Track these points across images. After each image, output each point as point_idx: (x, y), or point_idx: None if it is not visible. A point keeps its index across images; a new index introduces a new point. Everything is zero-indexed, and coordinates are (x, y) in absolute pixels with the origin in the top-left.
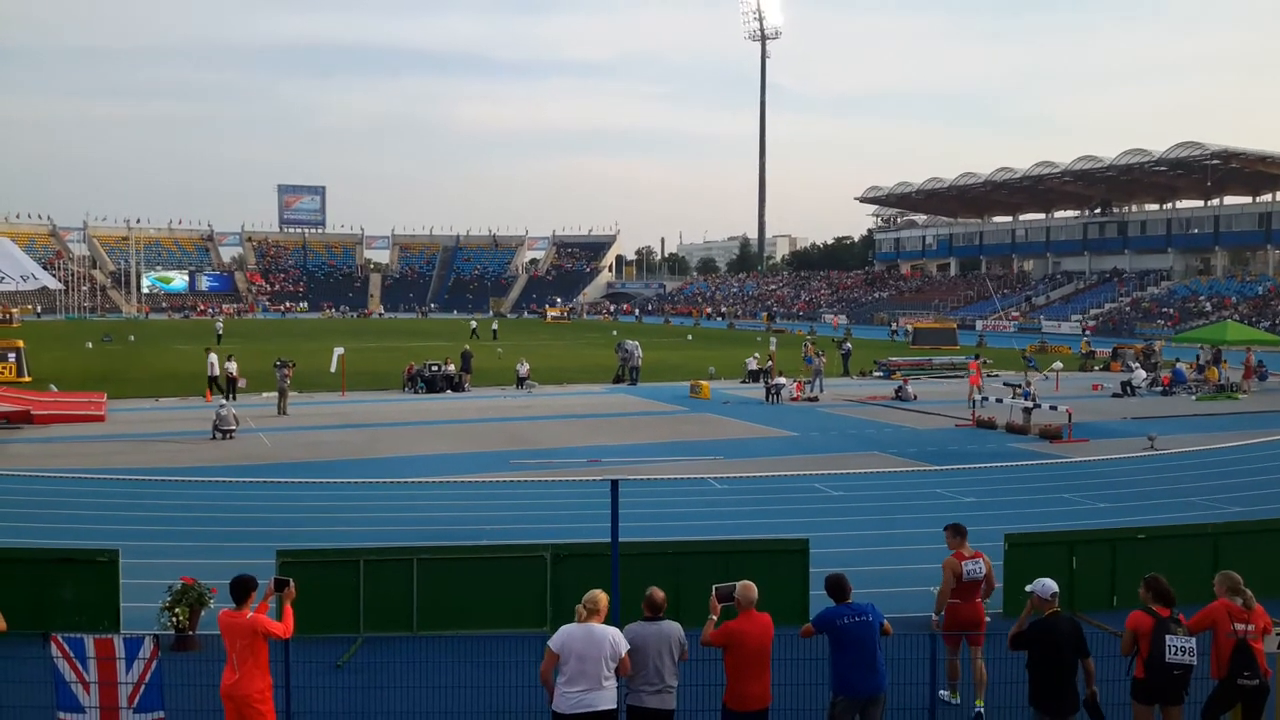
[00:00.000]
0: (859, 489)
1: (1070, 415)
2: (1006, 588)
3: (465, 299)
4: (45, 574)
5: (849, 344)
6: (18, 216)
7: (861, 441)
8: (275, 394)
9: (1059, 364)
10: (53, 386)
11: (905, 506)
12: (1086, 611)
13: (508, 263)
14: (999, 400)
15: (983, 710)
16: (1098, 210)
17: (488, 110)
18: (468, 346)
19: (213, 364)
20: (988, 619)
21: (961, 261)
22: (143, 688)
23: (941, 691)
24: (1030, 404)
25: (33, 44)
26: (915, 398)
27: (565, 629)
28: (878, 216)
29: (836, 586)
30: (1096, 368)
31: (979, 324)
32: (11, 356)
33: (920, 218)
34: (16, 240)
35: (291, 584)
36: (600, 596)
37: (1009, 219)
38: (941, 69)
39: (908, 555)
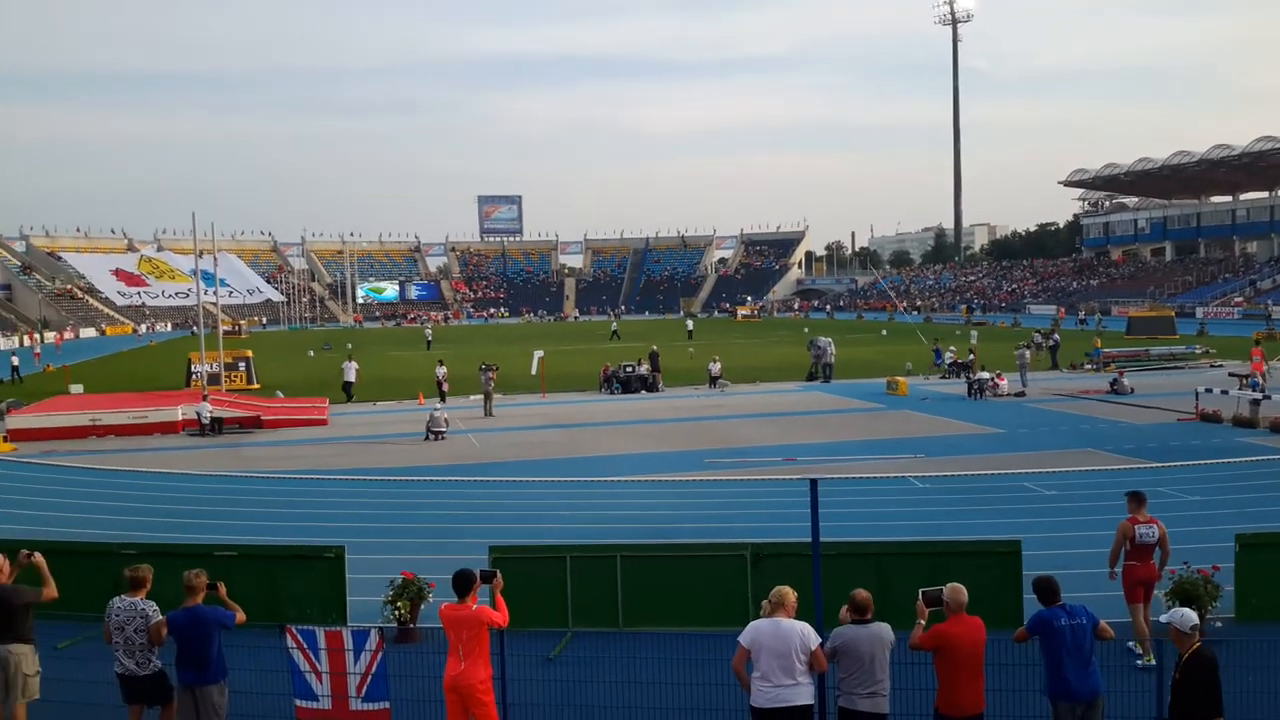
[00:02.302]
0: (1073, 488)
1: None
2: (1238, 592)
3: (656, 300)
4: (279, 569)
5: (1057, 335)
6: (243, 234)
7: (1074, 438)
8: (481, 396)
9: None
10: (279, 393)
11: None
12: None
13: (697, 263)
14: (1224, 392)
15: (1153, 663)
16: None
17: (673, 112)
18: (655, 347)
19: (345, 369)
20: (1219, 624)
21: (1177, 245)
22: (369, 678)
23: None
24: (1259, 395)
25: (250, 68)
26: (1132, 391)
27: (754, 624)
28: (1084, 200)
29: (1046, 589)
30: None
31: (1199, 311)
32: (242, 366)
33: (1130, 200)
34: (242, 257)
35: (499, 574)
36: (787, 591)
37: (1228, 199)
38: (1147, 42)
39: None
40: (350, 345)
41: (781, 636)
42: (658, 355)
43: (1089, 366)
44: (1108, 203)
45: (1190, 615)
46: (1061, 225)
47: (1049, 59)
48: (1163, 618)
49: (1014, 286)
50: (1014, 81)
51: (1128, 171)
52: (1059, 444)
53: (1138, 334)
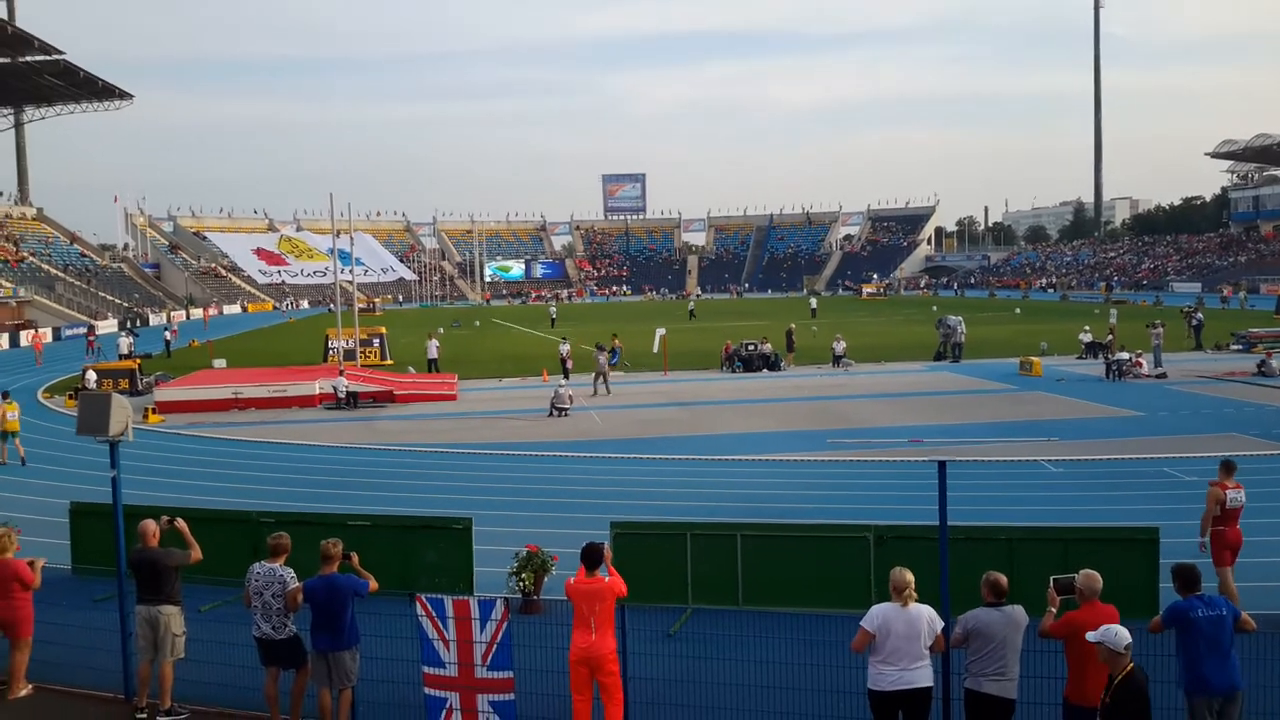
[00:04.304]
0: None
1: None
2: None
3: (779, 278)
4: (409, 539)
5: (1200, 314)
6: (378, 214)
7: (1218, 422)
8: (598, 375)
9: None
10: (411, 369)
11: (1271, 494)
12: None
13: (821, 240)
14: None
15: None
16: None
17: (798, 87)
18: (793, 324)
19: (428, 347)
20: None
21: None
22: (495, 647)
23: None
24: None
25: (384, 54)
26: None
27: (880, 609)
28: (1233, 173)
29: (1185, 578)
30: None
31: None
32: (376, 342)
33: None
34: (377, 236)
35: (607, 545)
36: (909, 575)
37: None
38: None
39: (1273, 547)
40: (478, 322)
41: (911, 621)
42: (792, 333)
43: None
44: (1258, 175)
45: (1124, 634)
46: (1208, 199)
47: (1195, 24)
48: (1091, 636)
49: (1156, 263)
50: (1158, 49)
51: None
52: (1201, 428)
53: None
